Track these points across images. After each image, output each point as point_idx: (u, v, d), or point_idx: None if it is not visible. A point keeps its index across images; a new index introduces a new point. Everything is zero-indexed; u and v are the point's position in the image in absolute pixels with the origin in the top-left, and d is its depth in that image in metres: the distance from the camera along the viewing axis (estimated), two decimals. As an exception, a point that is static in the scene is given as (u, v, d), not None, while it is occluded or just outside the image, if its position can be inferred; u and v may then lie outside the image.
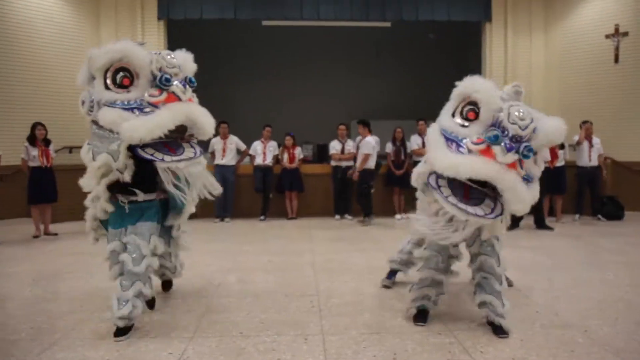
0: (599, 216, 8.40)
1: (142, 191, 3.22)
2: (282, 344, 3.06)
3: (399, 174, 8.87)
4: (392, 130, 9.15)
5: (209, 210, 8.80)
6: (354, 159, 8.63)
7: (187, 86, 3.14)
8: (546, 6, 10.44)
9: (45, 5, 9.24)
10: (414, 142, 9.05)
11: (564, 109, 9.84)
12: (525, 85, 10.75)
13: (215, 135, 8.72)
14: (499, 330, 3.18)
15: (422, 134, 8.87)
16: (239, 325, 3.41)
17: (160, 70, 3.06)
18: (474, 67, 10.83)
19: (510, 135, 2.83)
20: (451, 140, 2.95)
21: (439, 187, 2.95)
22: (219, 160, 8.79)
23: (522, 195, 2.85)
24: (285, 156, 8.99)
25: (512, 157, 2.80)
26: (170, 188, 3.17)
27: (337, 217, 8.88)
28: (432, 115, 3.68)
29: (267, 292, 4.21)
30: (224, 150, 8.83)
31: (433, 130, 3.11)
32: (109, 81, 3.01)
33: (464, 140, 2.92)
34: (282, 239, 6.96)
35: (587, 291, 4.26)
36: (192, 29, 11.21)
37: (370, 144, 8.26)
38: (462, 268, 3.58)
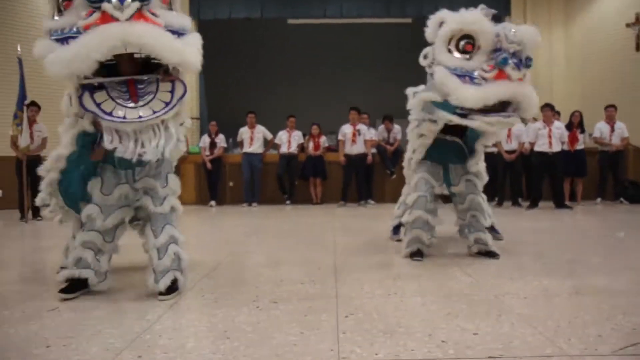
0: (622, 199, 8.43)
1: None
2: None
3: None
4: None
5: (238, 196, 9.24)
6: (378, 145, 9.01)
7: (129, 0, 2.31)
8: (565, -1, 10.63)
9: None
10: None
11: (585, 99, 9.94)
12: (546, 77, 10.86)
13: (243, 125, 9.30)
14: (492, 254, 3.62)
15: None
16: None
17: None
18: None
19: (512, 52, 3.09)
20: (463, 76, 3.12)
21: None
22: (246, 149, 9.20)
23: (535, 101, 3.19)
24: (311, 144, 9.34)
25: (523, 71, 3.10)
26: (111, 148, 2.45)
27: (342, 202, 8.86)
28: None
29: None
30: (251, 139, 9.24)
31: (443, 72, 3.17)
32: (52, 7, 2.52)
33: (475, 73, 3.13)
34: (308, 217, 7.29)
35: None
36: (221, 28, 11.76)
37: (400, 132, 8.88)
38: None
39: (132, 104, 2.41)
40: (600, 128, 8.50)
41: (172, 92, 2.50)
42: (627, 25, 9.69)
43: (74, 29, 2.35)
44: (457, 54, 3.21)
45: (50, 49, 2.32)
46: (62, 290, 2.71)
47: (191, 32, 2.62)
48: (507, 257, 3.65)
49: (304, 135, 9.57)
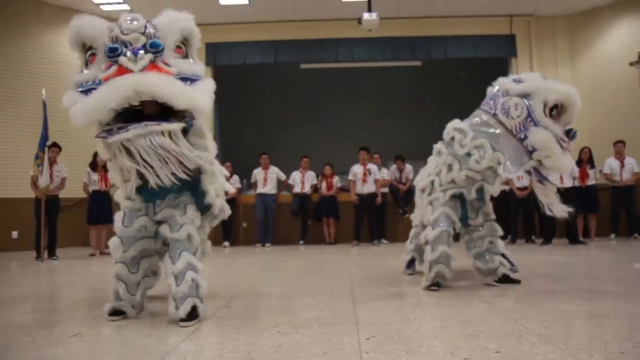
0: (636, 235, 8.38)
1: None
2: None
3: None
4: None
5: (251, 236, 9.30)
6: (390, 185, 9.11)
7: (143, 53, 2.52)
8: (570, 39, 10.87)
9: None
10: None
11: (594, 136, 10.01)
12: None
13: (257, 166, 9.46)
14: (513, 281, 3.63)
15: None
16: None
17: (115, 40, 2.56)
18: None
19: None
20: (561, 141, 3.46)
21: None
22: (260, 189, 9.33)
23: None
24: (324, 184, 9.44)
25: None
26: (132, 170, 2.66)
27: (355, 242, 8.94)
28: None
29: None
30: (265, 180, 9.38)
31: (548, 136, 3.41)
32: (81, 62, 2.68)
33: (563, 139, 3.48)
34: (322, 256, 7.31)
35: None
36: (236, 73, 12.12)
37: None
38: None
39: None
40: (610, 164, 8.56)
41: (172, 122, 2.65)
42: (631, 64, 9.87)
43: (96, 81, 2.52)
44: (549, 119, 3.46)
45: (75, 100, 2.50)
46: (110, 314, 2.87)
47: (204, 77, 2.76)
48: (524, 286, 3.65)
49: (317, 176, 9.70)
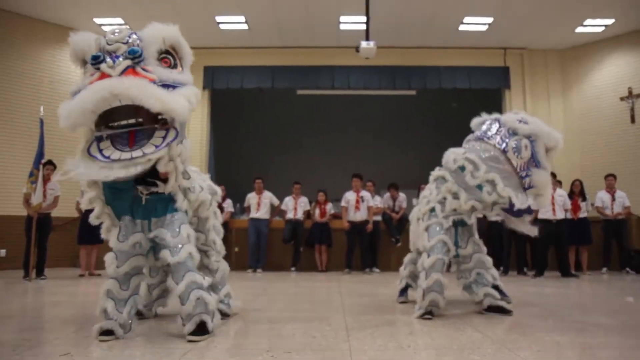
0: (627, 269, 8.40)
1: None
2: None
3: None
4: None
5: (243, 261, 9.23)
6: (383, 213, 9.14)
7: (121, 59, 2.67)
8: (562, 72, 11.08)
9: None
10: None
11: (584, 169, 10.16)
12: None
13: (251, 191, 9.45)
14: (504, 310, 3.65)
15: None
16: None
17: (101, 50, 2.72)
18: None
19: None
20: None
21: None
22: (253, 214, 9.29)
23: None
24: (317, 211, 9.43)
25: None
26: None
27: (347, 270, 8.88)
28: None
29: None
30: (258, 205, 9.35)
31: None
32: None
33: None
34: (314, 282, 7.26)
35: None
36: (232, 97, 12.20)
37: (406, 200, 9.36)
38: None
39: (127, 149, 2.69)
40: (601, 197, 8.64)
41: (164, 137, 2.76)
42: (621, 98, 10.07)
43: (82, 88, 2.65)
44: None
45: (64, 105, 2.64)
46: (100, 334, 2.84)
47: (189, 85, 2.88)
48: (516, 316, 3.66)
49: (310, 202, 9.68)
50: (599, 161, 10.22)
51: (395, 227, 9.25)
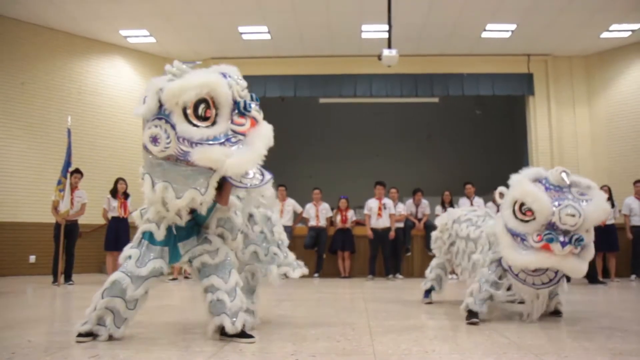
0: (657, 277, 8.20)
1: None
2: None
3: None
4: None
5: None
6: (406, 220, 9.11)
7: (254, 105, 2.99)
8: (588, 78, 10.93)
9: (127, 85, 10.66)
10: (462, 204, 9.32)
11: (612, 175, 9.97)
12: (572, 153, 11.03)
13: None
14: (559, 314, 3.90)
15: (469, 196, 9.19)
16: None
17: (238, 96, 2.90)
18: (520, 139, 11.23)
19: (562, 230, 3.37)
20: (516, 235, 3.52)
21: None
22: (276, 221, 9.32)
23: (581, 271, 3.53)
24: (339, 217, 9.44)
25: (567, 249, 3.35)
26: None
27: (370, 276, 8.90)
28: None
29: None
30: (281, 212, 9.38)
31: (500, 227, 3.65)
32: (190, 115, 2.72)
33: (528, 237, 3.46)
34: (337, 289, 7.26)
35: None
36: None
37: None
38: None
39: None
40: (629, 204, 8.48)
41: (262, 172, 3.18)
42: (649, 103, 9.88)
43: (228, 133, 2.80)
44: (518, 217, 3.52)
45: (226, 153, 2.72)
46: (81, 334, 2.90)
47: None
48: (542, 322, 3.60)
49: (332, 209, 9.70)
50: (626, 165, 10.02)
51: (406, 236, 9.26)
